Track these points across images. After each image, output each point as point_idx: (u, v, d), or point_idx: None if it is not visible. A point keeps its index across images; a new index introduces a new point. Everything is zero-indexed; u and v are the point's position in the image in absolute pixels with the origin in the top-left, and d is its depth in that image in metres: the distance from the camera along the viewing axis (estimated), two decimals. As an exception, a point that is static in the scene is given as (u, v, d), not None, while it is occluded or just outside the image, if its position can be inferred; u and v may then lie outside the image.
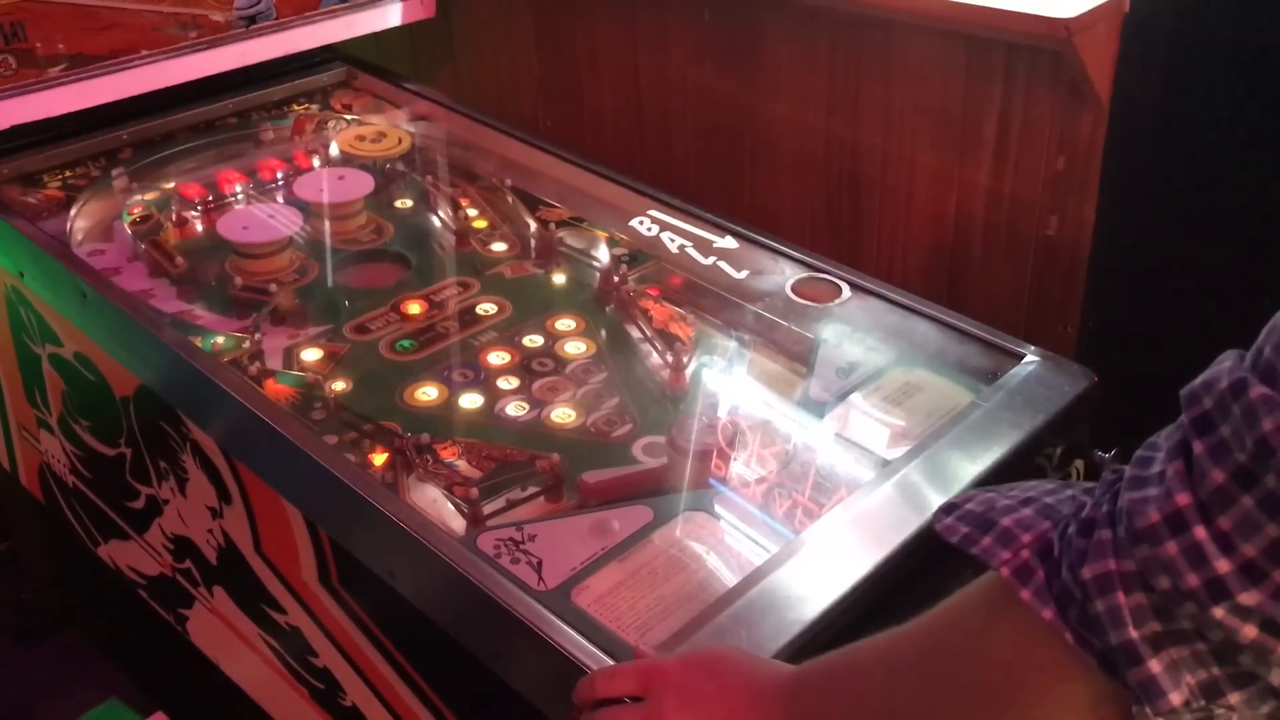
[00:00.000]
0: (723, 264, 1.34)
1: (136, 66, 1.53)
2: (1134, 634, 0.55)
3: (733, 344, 1.26)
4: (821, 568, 0.92)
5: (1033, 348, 1.17)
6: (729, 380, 1.22)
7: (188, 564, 1.34)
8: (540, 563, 0.94)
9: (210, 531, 1.25)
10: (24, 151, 1.52)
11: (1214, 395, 0.52)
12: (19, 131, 1.48)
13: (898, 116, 1.47)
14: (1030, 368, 1.14)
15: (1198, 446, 0.52)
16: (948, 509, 0.66)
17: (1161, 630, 0.55)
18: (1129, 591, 0.55)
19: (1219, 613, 0.52)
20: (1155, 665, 0.55)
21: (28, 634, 1.94)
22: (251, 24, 1.61)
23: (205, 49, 1.58)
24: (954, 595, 0.67)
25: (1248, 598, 0.51)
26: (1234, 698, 0.55)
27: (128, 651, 1.78)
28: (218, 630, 1.35)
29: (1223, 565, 0.51)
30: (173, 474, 1.27)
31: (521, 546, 0.96)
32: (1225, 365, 0.54)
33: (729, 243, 1.37)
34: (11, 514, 1.87)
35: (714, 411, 1.16)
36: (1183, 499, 0.52)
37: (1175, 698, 0.55)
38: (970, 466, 1.03)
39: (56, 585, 1.88)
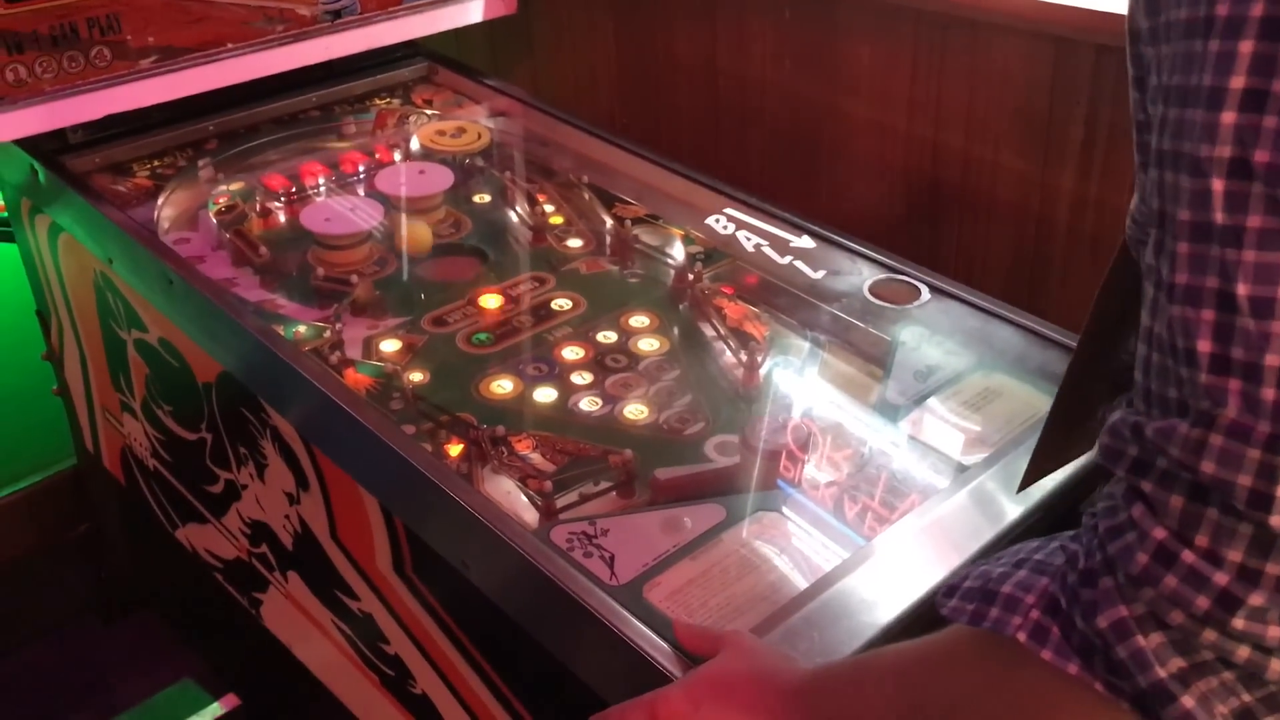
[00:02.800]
0: (799, 263, 1.33)
1: (224, 59, 1.56)
2: (1161, 673, 0.56)
3: (808, 344, 1.25)
4: (894, 574, 0.91)
5: (1116, 355, 1.14)
6: (803, 381, 1.21)
7: (264, 549, 1.37)
8: (613, 557, 0.94)
9: (287, 517, 1.27)
10: (115, 141, 1.55)
11: (1132, 442, 0.56)
12: (111, 121, 1.51)
13: (981, 118, 1.45)
14: (1113, 375, 1.11)
15: (1146, 485, 0.55)
16: (948, 592, 0.67)
17: (1187, 666, 0.56)
18: (1146, 633, 0.56)
19: (1240, 623, 0.53)
20: (1188, 701, 0.56)
21: (106, 613, 1.99)
22: (337, 18, 1.63)
23: (291, 42, 1.61)
24: (949, 640, 0.68)
25: (1255, 598, 0.52)
26: None
27: (202, 633, 1.82)
28: (291, 615, 1.37)
29: (1221, 577, 0.53)
30: (252, 460, 1.29)
31: (594, 540, 0.96)
32: (1117, 416, 0.58)
33: (806, 242, 1.36)
34: (94, 495, 1.92)
35: (788, 412, 1.15)
36: (1159, 534, 0.55)
37: None
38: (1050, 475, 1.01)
39: (135, 566, 1.93)
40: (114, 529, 1.92)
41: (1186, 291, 0.53)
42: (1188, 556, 0.53)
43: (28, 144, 1.49)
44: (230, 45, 1.56)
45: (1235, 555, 0.52)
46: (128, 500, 1.73)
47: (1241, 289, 0.51)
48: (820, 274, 1.31)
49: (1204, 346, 0.52)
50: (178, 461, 1.51)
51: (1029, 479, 0.90)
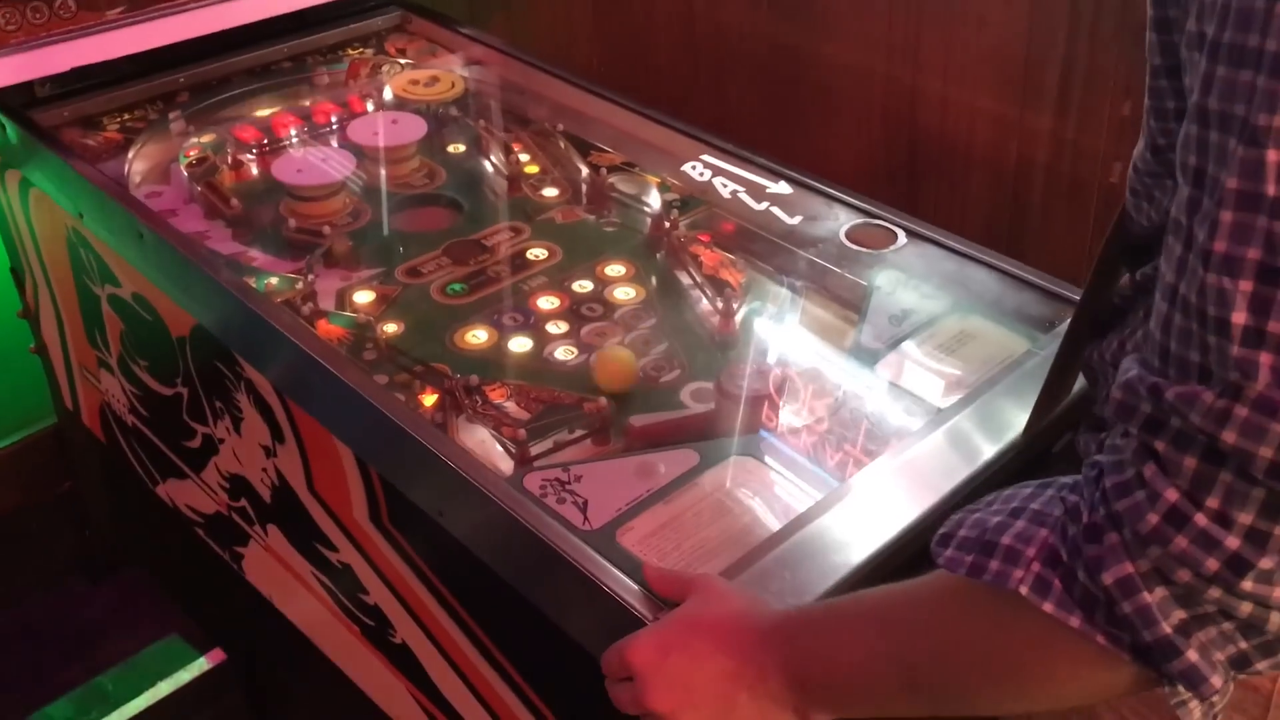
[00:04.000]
0: (775, 209, 1.32)
1: (193, 9, 1.54)
2: (1167, 629, 0.56)
3: (784, 290, 1.25)
4: (868, 514, 0.92)
5: (1091, 296, 1.14)
6: (779, 327, 1.21)
7: (243, 502, 1.37)
8: (586, 503, 0.94)
9: (264, 470, 1.27)
10: (83, 95, 1.53)
11: (1148, 401, 0.56)
12: (78, 74, 1.49)
13: (958, 62, 1.44)
14: (1088, 317, 1.11)
15: (1159, 445, 0.55)
16: (943, 541, 0.67)
17: (1188, 617, 0.56)
18: (1151, 589, 0.56)
19: (1248, 585, 0.54)
20: (1193, 654, 0.57)
21: (91, 570, 2.00)
22: (307, -34, 1.61)
23: (261, -8, 1.58)
24: (936, 586, 0.68)
25: (1265, 562, 0.53)
26: (1262, 665, 0.58)
27: (187, 589, 1.83)
28: (272, 568, 1.38)
29: (1232, 541, 0.53)
30: (228, 413, 1.29)
31: (567, 486, 0.96)
32: (1134, 373, 0.57)
33: (782, 188, 1.35)
34: (75, 453, 1.91)
35: (763, 358, 1.15)
36: (1171, 494, 0.54)
37: (1216, 680, 0.57)
38: (1022, 415, 1.01)
39: (117, 523, 1.93)
40: (95, 486, 1.92)
41: (1225, 260, 0.51)
42: (1200, 519, 0.53)
43: (-7, 98, 1.47)
44: (199, -5, 1.54)
45: (1246, 518, 0.52)
46: (108, 457, 1.73)
47: None
48: (797, 220, 1.31)
49: (1238, 318, 0.51)
50: (155, 417, 1.50)
51: (1035, 423, 0.91)
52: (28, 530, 2.02)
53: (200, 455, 1.41)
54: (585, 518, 0.92)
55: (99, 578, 1.99)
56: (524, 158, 1.50)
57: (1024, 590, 0.61)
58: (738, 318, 1.21)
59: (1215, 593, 0.55)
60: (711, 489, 0.97)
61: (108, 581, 1.99)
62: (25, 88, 1.48)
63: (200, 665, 1.83)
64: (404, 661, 1.17)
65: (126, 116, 1.55)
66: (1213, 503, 0.53)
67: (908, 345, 1.13)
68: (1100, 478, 0.59)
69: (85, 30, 1.46)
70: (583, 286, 1.28)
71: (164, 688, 1.81)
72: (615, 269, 1.31)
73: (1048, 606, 0.60)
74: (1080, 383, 0.87)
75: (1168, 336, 0.55)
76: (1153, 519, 0.55)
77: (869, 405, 1.08)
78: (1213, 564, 0.54)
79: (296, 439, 1.17)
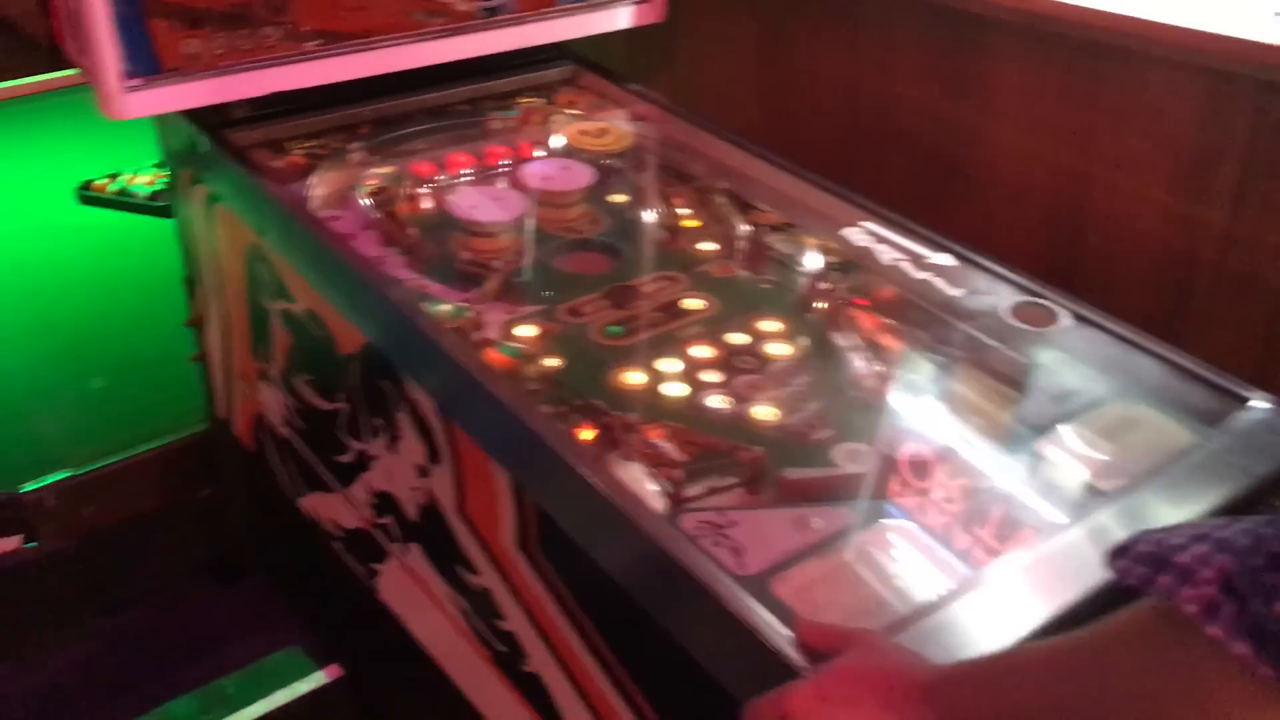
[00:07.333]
0: (936, 280, 1.33)
1: (383, 47, 1.61)
2: None
3: (941, 361, 1.25)
4: (1011, 602, 0.89)
5: (1262, 393, 1.12)
6: (935, 396, 1.21)
7: (388, 520, 1.40)
8: (741, 548, 0.95)
9: (415, 489, 1.30)
10: (274, 119, 1.62)
11: None
12: (272, 100, 1.58)
13: (1129, 149, 1.43)
14: (1259, 414, 1.09)
15: None
16: (1119, 552, 0.65)
17: None
18: None
19: None
20: None
21: (222, 576, 2.06)
22: (493, 15, 1.68)
23: (447, 36, 1.66)
24: (1110, 622, 0.66)
25: None
26: None
27: (314, 602, 1.87)
28: (406, 587, 1.41)
29: None
30: (386, 431, 1.33)
31: (723, 531, 0.97)
32: None
33: (943, 259, 1.35)
34: (221, 460, 1.99)
35: (918, 426, 1.15)
36: None
37: None
38: (1179, 513, 0.98)
39: (254, 532, 1.99)
40: (237, 494, 1.99)
41: None
42: None
43: (193, 115, 1.56)
44: (390, 34, 1.61)
45: None
46: (254, 466, 1.79)
47: None
48: (958, 292, 1.31)
49: None
50: (310, 430, 1.56)
51: None
52: (165, 532, 2.10)
53: (350, 470, 1.46)
54: (741, 563, 0.93)
55: (229, 584, 2.06)
56: (684, 211, 1.53)
57: (1191, 609, 0.59)
58: (893, 383, 1.21)
59: None
60: (863, 550, 0.97)
61: (236, 588, 2.05)
62: (222, 108, 1.57)
63: (318, 678, 1.88)
64: (532, 691, 1.18)
65: (311, 143, 1.63)
66: None
67: (1067, 427, 1.12)
68: None
69: (284, 59, 1.54)
70: (737, 339, 1.30)
71: (280, 697, 1.86)
72: (770, 324, 1.33)
73: (1213, 630, 0.58)
74: None
75: None
76: None
77: (1022, 484, 1.07)
78: None
79: (453, 460, 1.21)
